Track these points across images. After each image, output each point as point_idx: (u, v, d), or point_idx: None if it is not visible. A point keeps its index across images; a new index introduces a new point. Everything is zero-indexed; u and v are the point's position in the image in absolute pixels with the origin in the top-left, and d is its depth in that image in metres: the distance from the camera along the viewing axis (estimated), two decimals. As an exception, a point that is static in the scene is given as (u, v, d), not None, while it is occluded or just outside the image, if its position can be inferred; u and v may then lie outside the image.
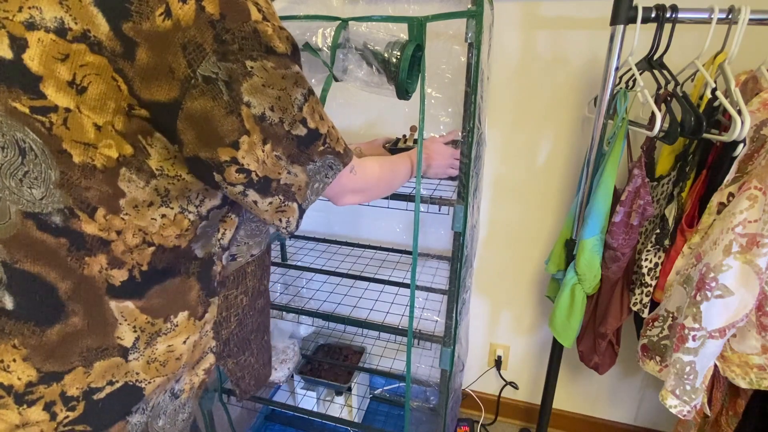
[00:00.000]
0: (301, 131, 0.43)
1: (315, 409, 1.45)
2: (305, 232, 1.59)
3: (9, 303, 0.37)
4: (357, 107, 1.36)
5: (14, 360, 0.38)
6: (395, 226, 1.47)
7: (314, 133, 0.44)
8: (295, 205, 0.46)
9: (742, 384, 0.79)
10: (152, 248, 0.42)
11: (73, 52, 0.33)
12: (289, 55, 0.40)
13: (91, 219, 0.37)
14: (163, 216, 0.41)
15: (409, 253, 1.42)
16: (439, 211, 1.31)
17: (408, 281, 1.36)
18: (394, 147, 1.10)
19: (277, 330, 1.50)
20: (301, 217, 0.47)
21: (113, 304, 0.41)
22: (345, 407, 1.45)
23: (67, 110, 0.34)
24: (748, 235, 0.70)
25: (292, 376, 1.46)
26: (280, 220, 0.46)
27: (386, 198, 0.96)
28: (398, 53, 0.74)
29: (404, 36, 0.76)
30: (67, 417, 0.41)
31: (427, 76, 0.81)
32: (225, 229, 0.49)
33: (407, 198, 0.95)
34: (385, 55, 0.74)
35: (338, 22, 0.77)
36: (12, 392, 0.38)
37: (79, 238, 0.38)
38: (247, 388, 0.66)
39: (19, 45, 0.32)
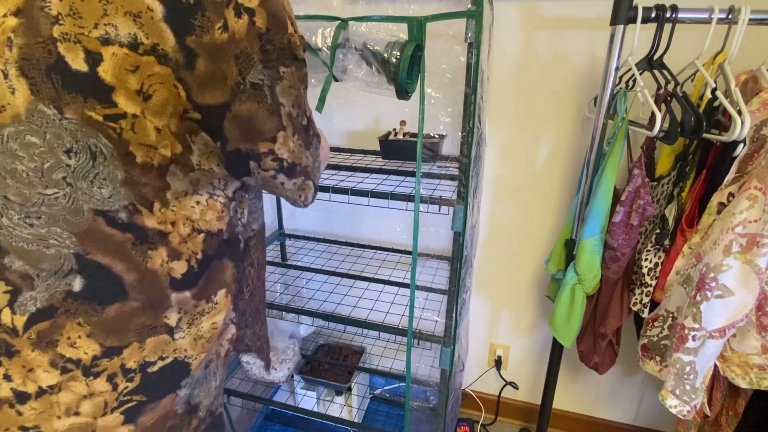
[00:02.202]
0: (305, 120, 0.50)
1: (315, 409, 1.45)
2: (305, 232, 1.59)
3: (77, 285, 0.40)
4: (357, 107, 1.36)
5: (79, 336, 0.41)
6: (395, 226, 1.47)
7: (309, 120, 0.52)
8: (310, 182, 0.53)
9: (742, 384, 0.79)
10: (202, 235, 0.46)
11: (143, 63, 0.36)
12: (304, 59, 0.46)
13: (151, 213, 0.41)
14: (198, 203, 0.45)
15: (409, 253, 1.42)
16: (439, 211, 1.31)
17: (408, 281, 1.36)
18: (385, 139, 1.13)
19: (277, 330, 1.50)
20: (316, 192, 0.55)
21: (174, 296, 0.45)
22: (345, 407, 1.46)
23: (134, 116, 0.37)
24: (748, 235, 0.70)
25: (292, 376, 1.46)
26: (300, 196, 0.53)
27: (386, 198, 0.96)
28: (398, 53, 0.74)
29: (404, 36, 0.76)
30: (127, 387, 0.45)
31: (427, 76, 0.81)
32: (243, 209, 0.54)
33: (407, 198, 0.95)
34: (385, 55, 0.74)
35: (338, 22, 0.77)
36: (80, 365, 0.42)
37: (143, 232, 0.41)
38: (267, 357, 0.71)
39: (94, 59, 0.35)
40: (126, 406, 0.45)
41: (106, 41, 0.35)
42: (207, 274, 0.48)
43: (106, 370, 0.43)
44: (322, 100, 0.81)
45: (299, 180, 0.51)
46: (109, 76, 0.36)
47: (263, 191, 0.59)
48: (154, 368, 0.46)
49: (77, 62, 0.35)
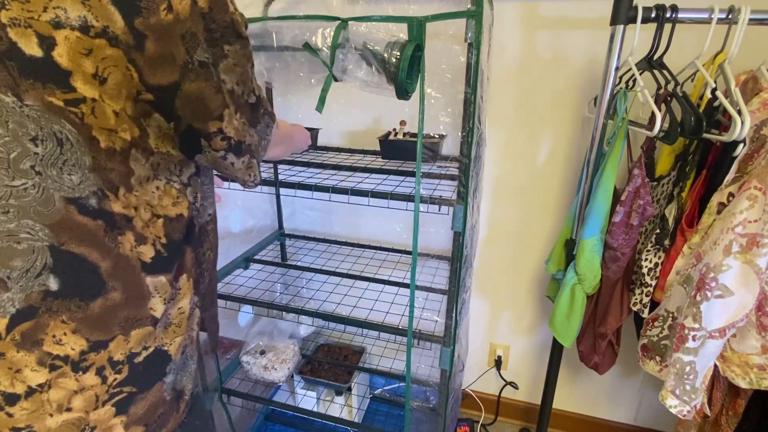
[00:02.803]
0: (252, 99, 0.51)
1: (315, 409, 1.45)
2: (305, 232, 1.59)
3: (54, 285, 0.40)
4: (357, 107, 1.36)
5: (65, 334, 0.41)
6: (395, 226, 1.47)
7: (258, 99, 0.52)
8: (255, 161, 0.54)
9: (742, 384, 0.79)
10: (161, 220, 0.46)
11: (95, 47, 0.36)
12: (248, 37, 0.47)
13: (117, 198, 0.42)
14: (158, 188, 0.46)
15: (409, 253, 1.42)
16: (439, 211, 1.30)
17: (408, 281, 1.36)
18: (385, 139, 1.14)
19: (277, 330, 1.50)
20: (260, 170, 0.57)
21: (149, 279, 0.46)
22: (345, 407, 1.46)
23: (93, 100, 0.38)
24: (748, 235, 0.70)
25: (292, 376, 1.46)
26: (249, 175, 0.54)
27: (386, 198, 0.96)
28: (398, 53, 0.74)
29: (404, 36, 0.76)
30: (116, 379, 0.46)
31: (427, 76, 0.80)
32: (197, 193, 0.54)
33: (407, 198, 0.95)
34: (385, 55, 0.74)
35: (338, 22, 0.77)
36: (69, 361, 0.42)
37: (111, 217, 0.42)
38: (217, 339, 0.74)
39: (48, 44, 0.35)
40: (117, 398, 0.46)
41: (57, 24, 0.35)
42: (179, 260, 0.49)
43: (94, 364, 0.43)
44: (322, 100, 0.81)
45: (246, 158, 0.52)
46: (65, 60, 0.35)
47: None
48: (140, 358, 0.47)
49: (31, 47, 0.35)
